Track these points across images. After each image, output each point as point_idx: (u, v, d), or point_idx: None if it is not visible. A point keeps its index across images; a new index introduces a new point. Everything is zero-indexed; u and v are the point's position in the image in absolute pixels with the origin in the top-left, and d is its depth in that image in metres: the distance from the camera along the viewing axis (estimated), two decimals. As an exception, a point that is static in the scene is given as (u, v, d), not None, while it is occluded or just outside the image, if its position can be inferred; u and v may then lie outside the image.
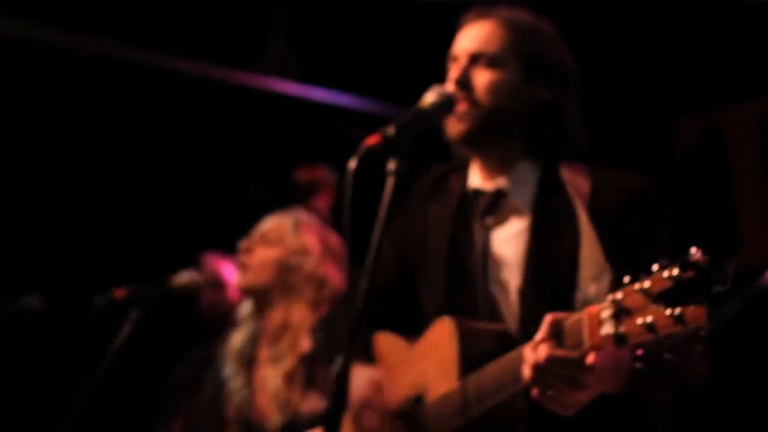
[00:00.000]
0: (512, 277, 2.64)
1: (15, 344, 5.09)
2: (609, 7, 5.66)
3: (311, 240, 3.93)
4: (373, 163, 2.34)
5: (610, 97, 5.44)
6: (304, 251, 3.90)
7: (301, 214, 4.06)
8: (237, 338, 3.98)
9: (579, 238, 2.47)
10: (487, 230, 2.70)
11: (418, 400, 2.70)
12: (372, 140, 2.36)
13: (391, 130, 2.37)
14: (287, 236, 3.92)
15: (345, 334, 2.20)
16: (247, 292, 3.97)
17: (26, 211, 5.72)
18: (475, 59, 2.68)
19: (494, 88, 2.66)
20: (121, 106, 5.83)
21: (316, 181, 4.52)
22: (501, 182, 2.71)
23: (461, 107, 2.65)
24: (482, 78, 2.67)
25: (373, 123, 2.50)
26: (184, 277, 4.13)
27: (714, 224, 5.51)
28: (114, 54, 5.54)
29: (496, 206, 2.71)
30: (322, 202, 4.41)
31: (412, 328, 2.84)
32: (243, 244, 3.98)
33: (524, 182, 2.69)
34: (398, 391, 2.76)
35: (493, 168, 2.73)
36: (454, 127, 2.69)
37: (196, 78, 5.80)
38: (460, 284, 2.71)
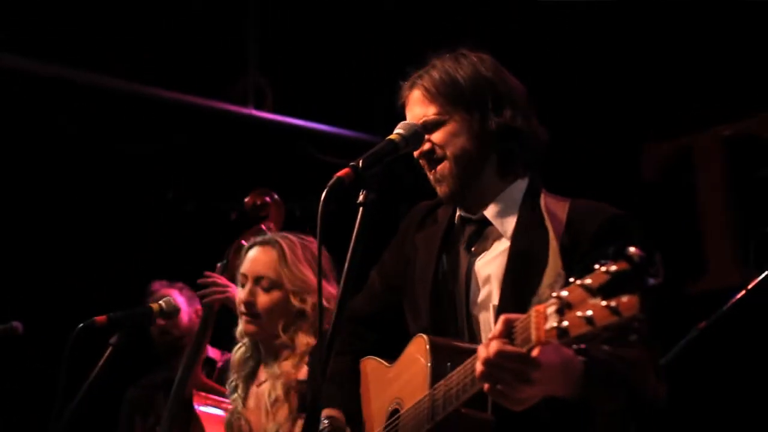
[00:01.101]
0: (492, 297, 2.76)
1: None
2: (577, 30, 5.73)
3: (305, 269, 3.88)
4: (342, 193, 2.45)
5: (576, 118, 5.56)
6: (304, 285, 3.86)
7: (280, 239, 3.95)
8: (239, 352, 3.93)
9: (547, 261, 2.58)
10: (472, 255, 2.83)
11: (395, 413, 2.81)
12: (342, 172, 2.49)
13: (360, 162, 2.51)
14: (283, 276, 3.85)
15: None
16: (260, 337, 3.89)
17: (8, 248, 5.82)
18: (425, 128, 2.81)
19: (449, 141, 2.79)
20: (94, 135, 5.93)
21: (264, 206, 4.54)
22: (486, 211, 2.83)
23: (432, 173, 2.81)
24: (437, 138, 2.80)
25: (348, 149, 2.59)
26: (163, 303, 4.23)
27: (678, 247, 5.55)
28: (103, 84, 5.67)
29: (481, 233, 2.84)
30: (270, 227, 4.43)
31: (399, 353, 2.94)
32: (242, 296, 3.89)
33: (506, 210, 2.82)
34: (379, 408, 2.90)
35: (478, 201, 2.85)
36: (437, 189, 2.84)
37: (173, 107, 5.91)
38: (444, 306, 2.83)
